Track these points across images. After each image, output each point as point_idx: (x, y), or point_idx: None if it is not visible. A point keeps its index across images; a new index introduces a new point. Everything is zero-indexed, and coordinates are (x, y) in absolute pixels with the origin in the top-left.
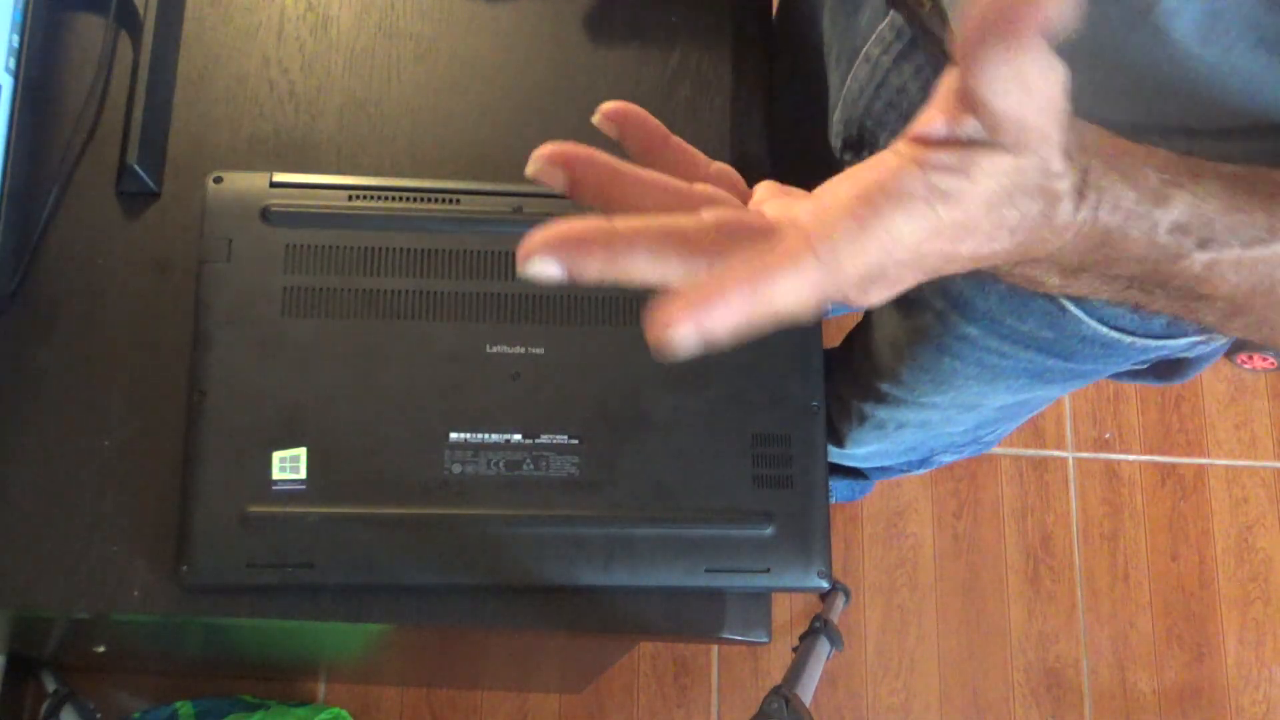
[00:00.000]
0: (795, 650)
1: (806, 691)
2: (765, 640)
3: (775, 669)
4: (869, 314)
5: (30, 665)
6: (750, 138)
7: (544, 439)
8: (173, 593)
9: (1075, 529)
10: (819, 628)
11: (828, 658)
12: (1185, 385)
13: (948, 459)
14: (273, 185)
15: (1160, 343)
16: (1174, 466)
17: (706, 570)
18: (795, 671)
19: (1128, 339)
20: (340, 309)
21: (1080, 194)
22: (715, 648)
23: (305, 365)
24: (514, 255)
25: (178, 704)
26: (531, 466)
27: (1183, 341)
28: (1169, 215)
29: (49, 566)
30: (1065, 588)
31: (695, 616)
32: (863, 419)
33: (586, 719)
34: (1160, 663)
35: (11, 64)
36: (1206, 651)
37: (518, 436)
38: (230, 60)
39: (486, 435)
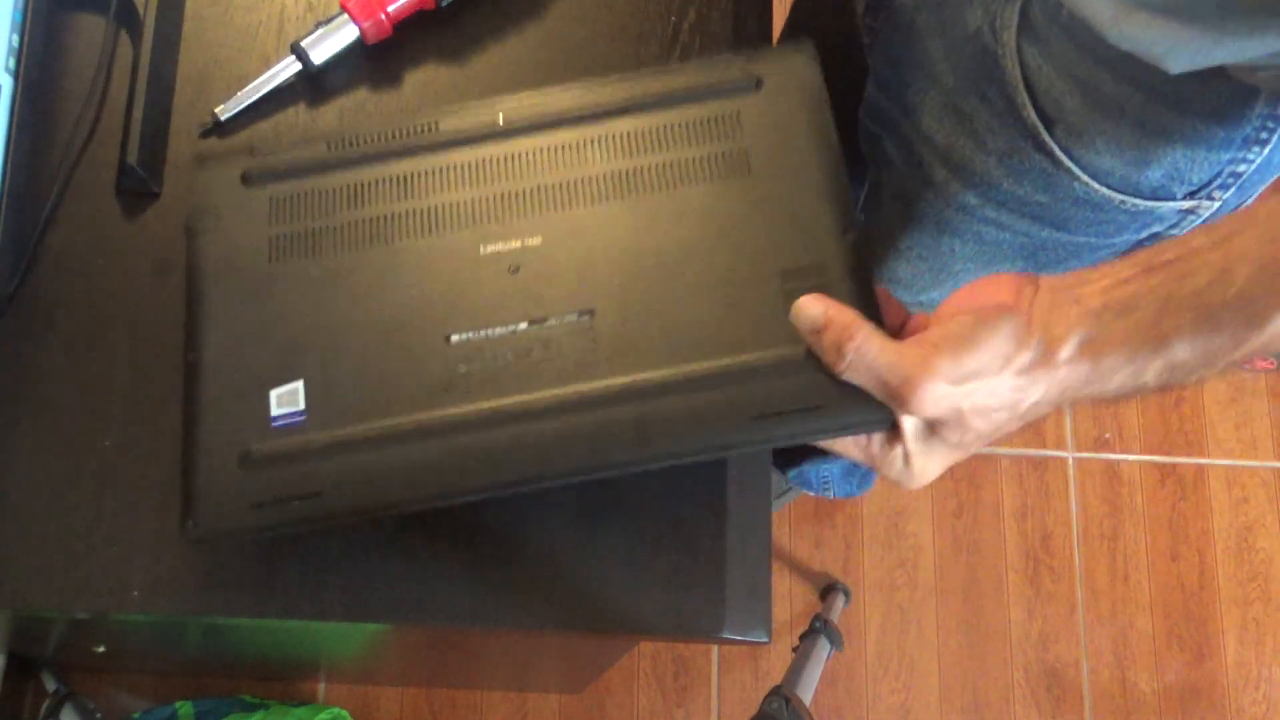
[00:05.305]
0: (795, 650)
1: (806, 691)
2: (765, 640)
3: (775, 669)
4: (873, 228)
5: (30, 665)
6: None
7: (552, 322)
8: (173, 593)
9: (1075, 529)
10: (819, 628)
11: (828, 658)
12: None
13: None
14: (253, 154)
15: (1149, 204)
16: (1174, 466)
17: (754, 419)
18: (795, 671)
19: (1118, 198)
20: (327, 244)
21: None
22: (715, 648)
23: (295, 302)
24: (502, 162)
25: (178, 704)
26: (543, 351)
27: (1170, 206)
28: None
29: (49, 566)
30: (1065, 588)
31: (695, 616)
32: None
33: (586, 719)
34: (1160, 663)
35: (11, 64)
36: (1206, 651)
37: (523, 325)
38: (230, 60)
39: (490, 330)
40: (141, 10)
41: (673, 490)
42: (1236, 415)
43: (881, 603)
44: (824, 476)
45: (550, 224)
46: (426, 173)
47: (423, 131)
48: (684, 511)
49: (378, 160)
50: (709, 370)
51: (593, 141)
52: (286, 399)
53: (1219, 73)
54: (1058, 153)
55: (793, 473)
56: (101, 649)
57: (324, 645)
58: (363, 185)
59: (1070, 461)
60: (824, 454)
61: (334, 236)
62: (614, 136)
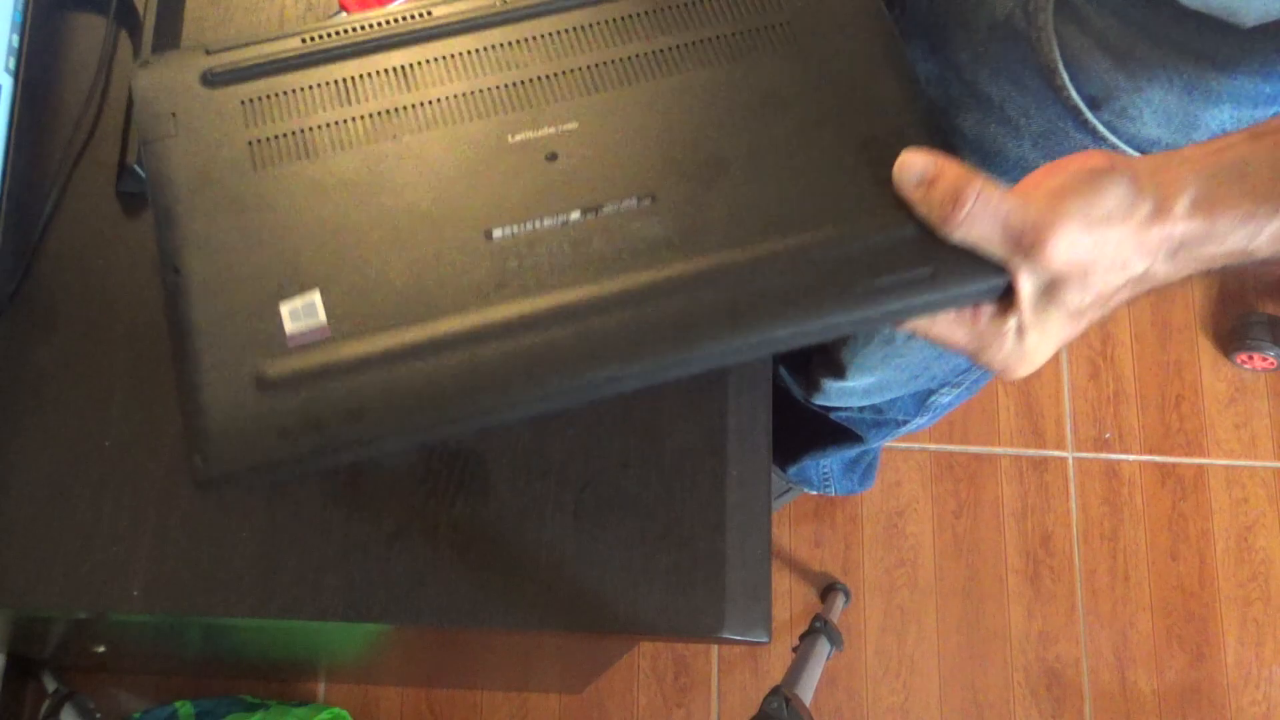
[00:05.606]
0: (795, 650)
1: (806, 691)
2: (765, 640)
3: (775, 669)
4: None
5: (30, 665)
6: None
7: (609, 209)
8: (173, 593)
9: (1075, 529)
10: (819, 628)
11: (828, 658)
12: (1185, 385)
13: (947, 400)
14: (209, 53)
15: None
16: (1174, 466)
17: (859, 293)
18: (795, 671)
19: None
20: (324, 144)
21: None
22: (715, 648)
23: (294, 206)
24: (514, 46)
25: (178, 704)
26: (605, 239)
27: None
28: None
29: (49, 566)
30: (1065, 588)
31: (695, 616)
32: (870, 334)
33: (586, 719)
34: (1160, 663)
35: (11, 64)
36: (1206, 651)
37: (575, 215)
38: None
39: (538, 222)
40: (141, 10)
41: (673, 490)
42: (1236, 415)
43: (881, 603)
44: (824, 473)
45: (585, 108)
46: (429, 62)
47: (414, 19)
48: (684, 511)
49: (366, 53)
50: (800, 244)
51: (611, 22)
52: (302, 312)
53: (1268, 29)
54: (1101, 129)
55: (793, 470)
56: (101, 649)
57: (324, 645)
58: (356, 80)
59: (1070, 461)
60: (824, 449)
61: (328, 136)
62: (635, 16)
